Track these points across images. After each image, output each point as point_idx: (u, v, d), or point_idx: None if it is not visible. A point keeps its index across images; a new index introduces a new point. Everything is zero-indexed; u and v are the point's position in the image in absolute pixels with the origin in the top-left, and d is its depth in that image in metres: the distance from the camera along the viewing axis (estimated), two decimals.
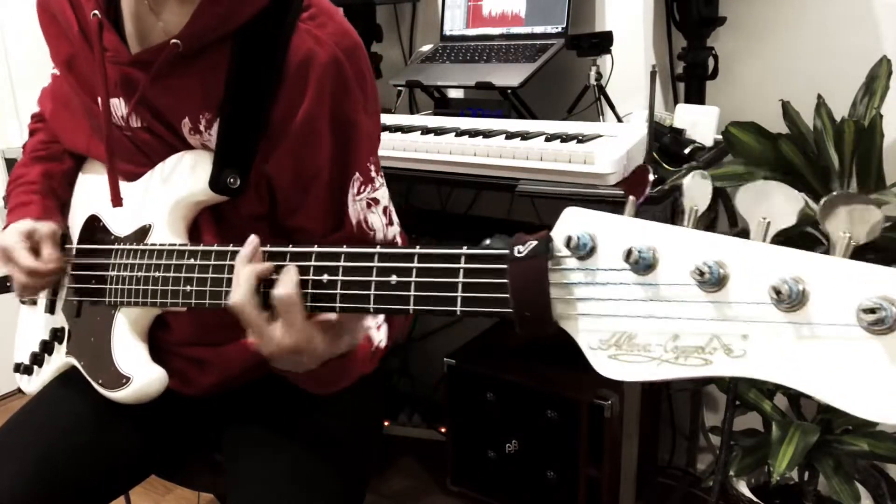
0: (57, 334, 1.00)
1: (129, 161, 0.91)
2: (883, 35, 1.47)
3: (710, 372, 0.45)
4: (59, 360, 0.99)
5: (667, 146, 1.42)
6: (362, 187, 0.87)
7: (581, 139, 1.30)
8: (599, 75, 1.58)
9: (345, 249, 0.65)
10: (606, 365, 0.49)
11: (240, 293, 0.69)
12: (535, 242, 0.52)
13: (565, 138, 1.32)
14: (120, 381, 0.88)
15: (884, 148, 1.31)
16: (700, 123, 1.46)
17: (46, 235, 0.95)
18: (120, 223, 0.93)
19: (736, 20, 1.59)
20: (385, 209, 0.91)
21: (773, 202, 0.47)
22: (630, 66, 1.70)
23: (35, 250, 0.94)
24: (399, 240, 0.94)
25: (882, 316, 0.39)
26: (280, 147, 0.84)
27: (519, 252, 0.53)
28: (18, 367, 1.06)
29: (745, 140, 1.29)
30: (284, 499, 0.85)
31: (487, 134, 1.41)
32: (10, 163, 2.26)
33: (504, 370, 1.67)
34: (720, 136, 1.37)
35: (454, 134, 1.44)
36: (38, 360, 1.03)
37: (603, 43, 1.59)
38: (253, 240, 0.71)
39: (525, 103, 1.66)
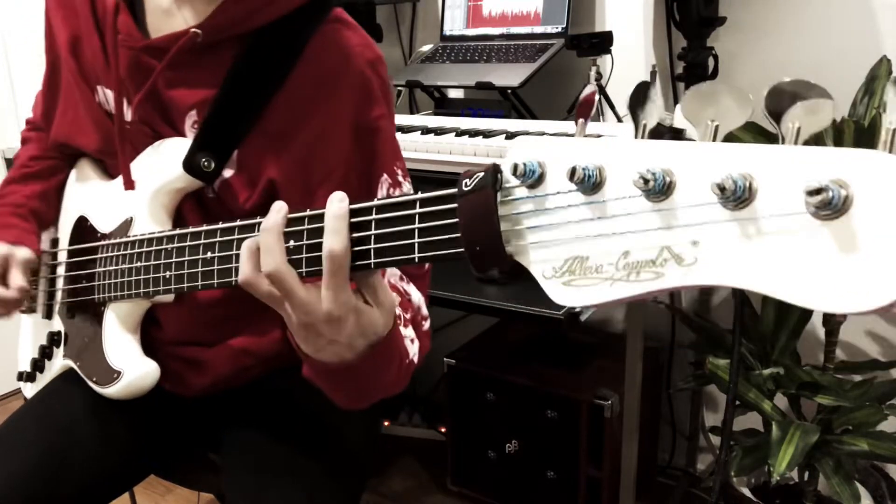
0: (54, 338, 1.00)
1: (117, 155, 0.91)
2: (883, 35, 1.47)
3: (662, 285, 0.42)
4: (58, 363, 0.99)
5: None
6: (391, 189, 0.86)
7: None
8: (599, 75, 1.58)
9: (308, 213, 0.62)
10: (561, 293, 0.47)
11: (274, 258, 0.60)
12: (481, 174, 0.51)
13: None
14: (111, 376, 0.88)
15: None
16: None
17: (19, 262, 0.95)
18: (105, 220, 0.93)
19: (736, 20, 1.59)
20: None
21: (721, 105, 0.44)
22: (630, 66, 1.70)
23: (3, 276, 0.94)
24: None
25: (828, 197, 0.36)
26: (287, 153, 0.84)
27: (466, 186, 0.52)
28: (21, 376, 1.06)
29: (745, 140, 1.29)
30: (283, 498, 0.85)
31: (487, 134, 1.41)
32: (10, 163, 2.26)
33: (504, 370, 1.67)
34: None
35: (454, 134, 1.44)
36: (38, 366, 1.03)
37: (603, 43, 1.59)
38: (281, 206, 0.62)
39: (525, 103, 1.66)
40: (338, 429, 0.94)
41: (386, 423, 2.16)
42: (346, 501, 0.92)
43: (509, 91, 1.61)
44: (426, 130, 1.50)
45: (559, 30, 1.68)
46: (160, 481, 1.12)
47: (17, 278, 0.94)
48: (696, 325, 1.63)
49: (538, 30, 1.71)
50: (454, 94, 1.91)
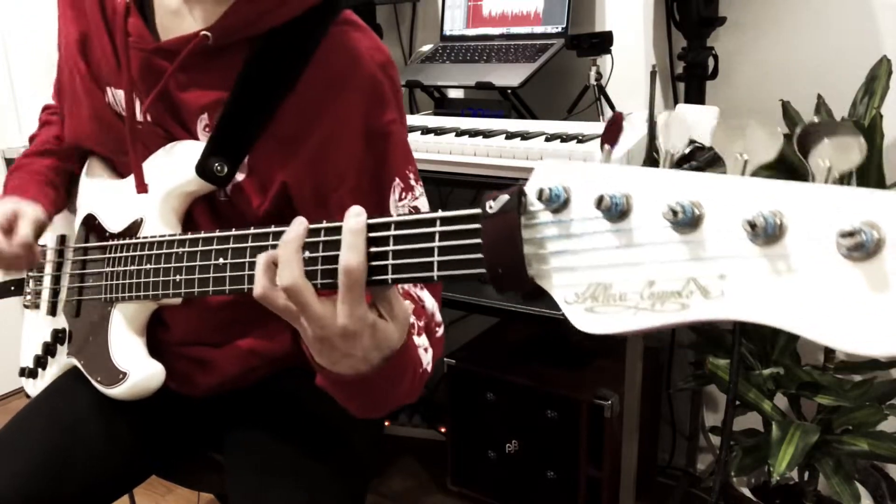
0: (58, 336, 1.00)
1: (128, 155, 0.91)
2: (883, 35, 1.47)
3: (687, 317, 0.42)
4: (62, 361, 0.99)
5: None
6: (403, 193, 0.85)
7: (581, 139, 1.30)
8: (599, 75, 1.58)
9: (325, 225, 0.62)
10: (583, 319, 0.47)
11: (292, 273, 0.59)
12: (507, 197, 0.51)
13: (565, 138, 1.32)
14: (117, 376, 0.87)
15: (884, 148, 1.31)
16: (700, 123, 1.46)
17: (29, 218, 0.90)
18: (114, 219, 0.92)
19: (736, 20, 1.59)
20: None
21: (751, 138, 0.44)
22: (630, 66, 1.70)
23: (10, 230, 0.90)
24: None
25: (861, 240, 0.36)
26: (298, 157, 0.83)
27: (490, 208, 0.52)
28: (24, 372, 1.06)
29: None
30: (285, 499, 0.85)
31: (487, 134, 1.41)
32: (10, 163, 2.26)
33: (504, 370, 1.68)
34: None
35: (454, 134, 1.44)
36: (41, 362, 1.03)
37: (603, 43, 1.59)
38: (302, 221, 0.62)
39: (525, 103, 1.66)
40: (341, 430, 0.94)
41: (386, 423, 2.16)
42: (349, 502, 0.92)
43: (509, 91, 1.61)
44: (426, 130, 1.50)
45: (559, 30, 1.68)
46: (160, 481, 1.12)
47: (24, 230, 0.88)
48: (695, 325, 1.63)
49: (538, 30, 1.71)
50: (454, 94, 1.91)
